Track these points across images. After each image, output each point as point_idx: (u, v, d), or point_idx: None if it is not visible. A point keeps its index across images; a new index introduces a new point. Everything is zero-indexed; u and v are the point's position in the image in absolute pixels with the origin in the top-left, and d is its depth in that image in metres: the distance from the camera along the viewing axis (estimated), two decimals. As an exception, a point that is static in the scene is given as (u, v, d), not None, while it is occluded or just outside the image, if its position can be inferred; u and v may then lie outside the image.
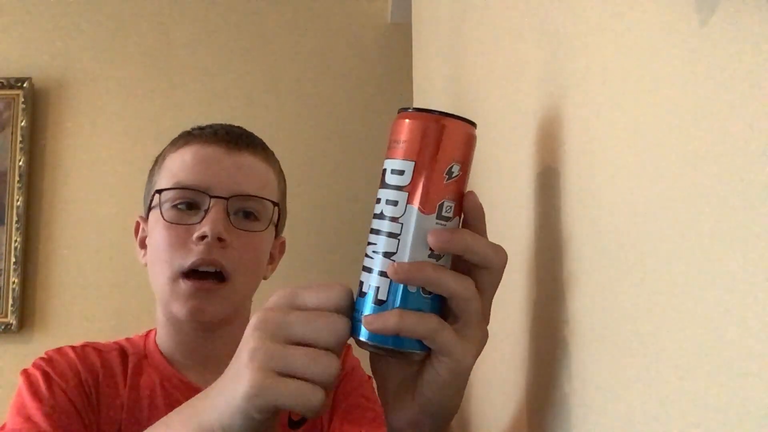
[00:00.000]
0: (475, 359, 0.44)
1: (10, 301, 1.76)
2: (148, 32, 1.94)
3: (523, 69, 0.57)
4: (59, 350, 0.75)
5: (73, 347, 0.76)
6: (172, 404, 0.73)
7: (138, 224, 0.84)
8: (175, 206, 0.74)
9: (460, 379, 0.44)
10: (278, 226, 0.81)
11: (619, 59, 0.38)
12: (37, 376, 0.71)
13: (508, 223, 0.61)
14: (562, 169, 0.47)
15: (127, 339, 0.82)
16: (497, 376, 0.64)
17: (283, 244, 0.86)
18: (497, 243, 0.46)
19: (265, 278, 0.82)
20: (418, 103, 1.62)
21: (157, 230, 0.75)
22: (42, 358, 0.74)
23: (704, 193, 0.29)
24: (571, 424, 0.44)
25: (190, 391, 0.74)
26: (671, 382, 0.31)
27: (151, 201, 0.77)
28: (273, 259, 0.83)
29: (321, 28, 1.95)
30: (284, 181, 0.84)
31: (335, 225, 1.80)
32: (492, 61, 0.69)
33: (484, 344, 0.45)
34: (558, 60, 0.48)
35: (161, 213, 0.74)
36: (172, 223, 0.74)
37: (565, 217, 0.46)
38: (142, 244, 0.82)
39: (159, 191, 0.75)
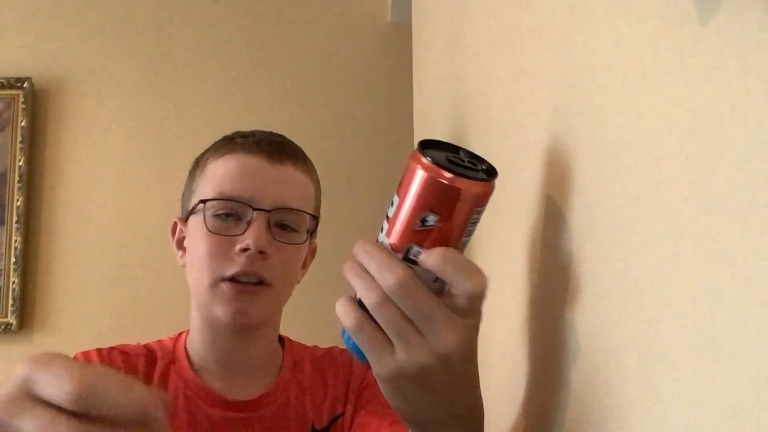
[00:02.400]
0: None
1: (10, 301, 1.76)
2: (148, 32, 1.94)
3: (523, 68, 0.57)
4: (86, 354, 0.77)
5: (99, 351, 0.78)
6: (192, 411, 0.75)
7: (175, 225, 0.84)
8: (217, 215, 0.75)
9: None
10: (313, 234, 0.83)
11: (620, 59, 0.38)
12: None
13: (508, 223, 0.61)
14: (562, 168, 0.47)
15: (159, 341, 0.82)
16: (496, 377, 0.64)
17: (314, 248, 0.88)
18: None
19: (297, 282, 0.84)
20: (418, 104, 1.62)
21: (198, 237, 0.76)
22: None
23: (704, 193, 0.29)
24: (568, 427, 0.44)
25: (212, 399, 0.76)
26: (667, 383, 0.31)
27: (194, 207, 0.78)
28: (305, 264, 0.85)
29: (321, 28, 1.95)
30: (320, 188, 0.87)
31: (334, 224, 1.80)
32: (492, 61, 0.69)
33: None
34: (558, 60, 0.48)
35: (204, 221, 0.75)
36: (214, 233, 0.75)
37: (565, 218, 0.46)
38: (180, 246, 0.82)
39: (203, 201, 0.76)
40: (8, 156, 1.83)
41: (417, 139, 1.65)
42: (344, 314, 0.45)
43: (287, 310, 0.83)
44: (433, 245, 0.43)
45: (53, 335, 1.78)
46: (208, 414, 0.75)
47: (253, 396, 0.78)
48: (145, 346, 0.81)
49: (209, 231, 0.75)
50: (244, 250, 0.72)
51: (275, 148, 0.78)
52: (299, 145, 0.87)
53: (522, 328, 0.57)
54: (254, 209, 0.74)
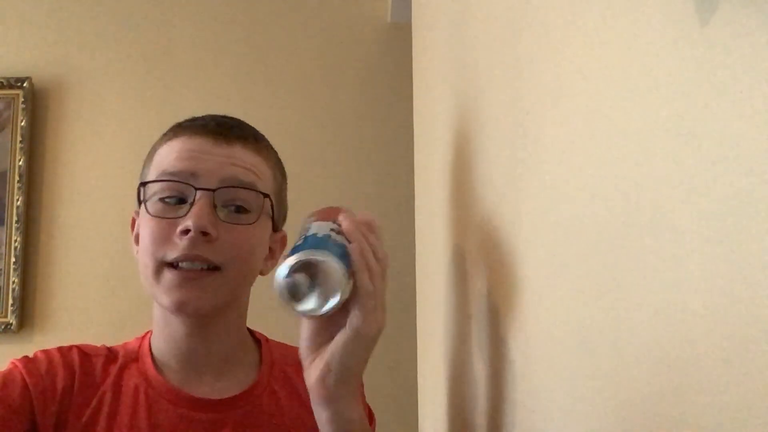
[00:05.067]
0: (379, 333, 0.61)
1: (10, 301, 1.76)
2: (148, 32, 1.94)
3: (523, 68, 0.57)
4: (46, 352, 0.74)
5: (60, 349, 0.74)
6: (153, 410, 0.71)
7: (133, 220, 0.80)
8: (161, 199, 0.72)
9: (363, 343, 0.60)
10: (275, 220, 0.78)
11: (620, 59, 0.38)
12: (6, 372, 0.70)
13: (507, 221, 0.61)
14: (561, 168, 0.47)
15: (125, 343, 0.79)
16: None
17: (284, 238, 0.82)
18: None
19: (263, 274, 0.78)
20: (418, 104, 1.62)
21: (143, 224, 0.73)
22: (24, 357, 0.73)
23: (702, 194, 0.29)
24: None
25: (176, 397, 0.73)
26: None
27: (139, 194, 0.74)
28: (273, 254, 0.80)
29: (321, 27, 1.95)
30: (282, 174, 0.82)
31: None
32: (492, 61, 0.69)
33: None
34: (558, 59, 0.48)
35: (146, 206, 0.72)
36: (156, 216, 0.71)
37: (571, 217, 0.46)
38: (137, 240, 0.78)
39: (143, 183, 0.73)
40: (8, 156, 1.83)
41: (417, 140, 1.65)
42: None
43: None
44: None
45: (53, 335, 1.78)
46: (171, 413, 0.71)
47: (221, 396, 0.74)
48: (108, 347, 0.77)
49: (150, 215, 0.71)
50: (185, 232, 0.68)
51: (222, 128, 0.74)
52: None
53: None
54: (197, 189, 0.70)
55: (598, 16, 0.41)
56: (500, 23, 0.65)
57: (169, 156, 0.73)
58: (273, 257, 0.80)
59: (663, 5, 0.33)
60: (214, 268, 0.70)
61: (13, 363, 0.72)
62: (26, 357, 0.73)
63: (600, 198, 0.40)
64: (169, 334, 0.75)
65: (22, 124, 1.84)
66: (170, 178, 0.71)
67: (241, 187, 0.72)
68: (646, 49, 0.34)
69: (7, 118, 1.84)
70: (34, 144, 1.87)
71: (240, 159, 0.74)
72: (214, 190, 0.71)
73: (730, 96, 0.27)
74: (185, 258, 0.69)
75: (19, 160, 1.82)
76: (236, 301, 0.77)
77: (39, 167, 1.86)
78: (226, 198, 0.72)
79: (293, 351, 0.82)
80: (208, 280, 0.70)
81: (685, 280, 0.30)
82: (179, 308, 0.70)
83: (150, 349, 0.77)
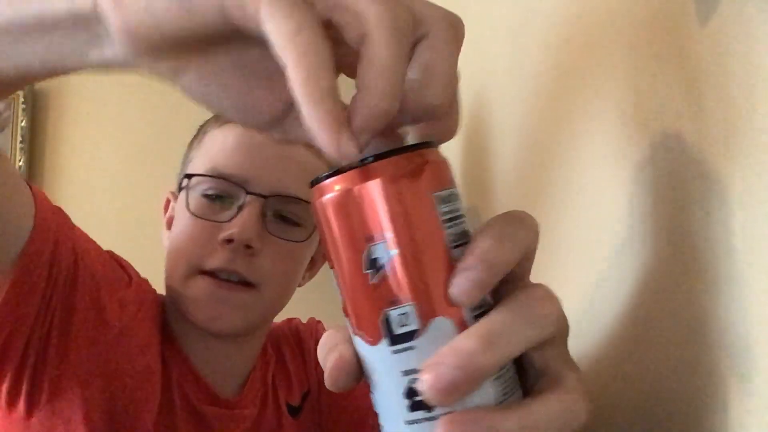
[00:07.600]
0: None
1: (11, 301, 1.76)
2: (147, 32, 1.94)
3: (523, 67, 0.57)
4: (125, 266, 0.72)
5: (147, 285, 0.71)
6: (186, 400, 0.64)
7: (168, 202, 0.73)
8: (207, 195, 0.64)
9: None
10: None
11: (619, 59, 0.38)
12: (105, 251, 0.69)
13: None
14: (561, 166, 0.47)
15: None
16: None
17: None
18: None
19: (300, 285, 0.71)
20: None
21: (181, 219, 0.66)
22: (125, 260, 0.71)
23: (704, 194, 0.29)
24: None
25: (203, 392, 0.67)
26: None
27: (181, 182, 0.67)
28: (314, 265, 0.73)
29: (321, 27, 1.95)
30: None
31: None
32: (492, 61, 0.69)
33: None
34: (558, 58, 0.48)
35: (187, 201, 0.64)
36: (197, 216, 0.64)
37: (564, 215, 0.46)
38: (169, 225, 0.71)
39: (189, 176, 0.65)
40: (8, 156, 1.83)
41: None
42: None
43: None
44: (407, 288, 0.25)
45: (53, 335, 1.78)
46: (197, 407, 0.65)
47: (235, 393, 0.69)
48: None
49: (191, 213, 0.64)
50: (228, 241, 0.61)
51: None
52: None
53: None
54: (248, 193, 0.62)
55: (598, 15, 0.41)
56: (501, 22, 0.65)
57: (222, 147, 0.65)
58: (313, 267, 0.73)
59: (663, 5, 0.33)
60: (249, 285, 0.63)
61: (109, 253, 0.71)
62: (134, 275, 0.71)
63: (600, 196, 0.40)
64: (193, 340, 0.68)
65: (22, 124, 1.84)
66: (220, 175, 0.64)
67: (295, 198, 0.64)
68: (644, 48, 0.35)
69: (7, 119, 1.84)
70: (34, 144, 1.87)
71: (296, 161, 0.65)
72: (266, 197, 0.63)
73: (730, 96, 0.27)
74: (222, 271, 0.62)
75: (19, 160, 1.82)
76: (266, 324, 0.71)
77: (39, 167, 1.86)
78: (277, 207, 0.64)
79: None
80: (243, 296, 0.63)
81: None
82: (208, 323, 0.63)
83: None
